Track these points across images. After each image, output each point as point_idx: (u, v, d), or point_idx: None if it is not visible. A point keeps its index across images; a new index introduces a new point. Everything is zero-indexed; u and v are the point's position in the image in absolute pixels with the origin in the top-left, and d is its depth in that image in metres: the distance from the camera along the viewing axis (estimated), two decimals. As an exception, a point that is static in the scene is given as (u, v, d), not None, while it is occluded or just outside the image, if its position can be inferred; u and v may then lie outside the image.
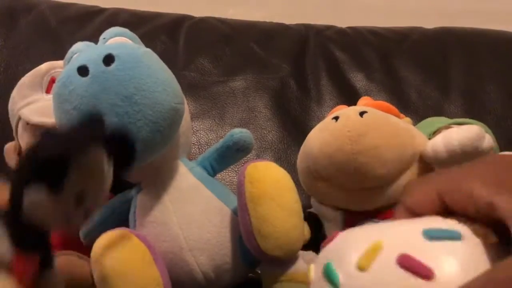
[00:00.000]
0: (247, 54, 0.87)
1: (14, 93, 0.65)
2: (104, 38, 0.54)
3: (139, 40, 0.56)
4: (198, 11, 0.95)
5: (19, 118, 0.64)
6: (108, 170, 0.36)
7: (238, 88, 0.83)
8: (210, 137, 0.78)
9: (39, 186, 0.32)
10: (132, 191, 0.55)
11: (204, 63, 0.85)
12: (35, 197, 0.32)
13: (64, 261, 0.53)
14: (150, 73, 0.48)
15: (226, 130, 0.74)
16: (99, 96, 0.46)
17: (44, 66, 0.65)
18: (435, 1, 1.11)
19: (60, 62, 0.62)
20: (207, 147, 0.65)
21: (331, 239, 0.30)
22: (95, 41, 0.55)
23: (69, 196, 0.34)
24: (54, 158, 0.32)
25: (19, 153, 0.64)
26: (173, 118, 0.50)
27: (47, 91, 0.64)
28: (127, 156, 0.38)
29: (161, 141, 0.50)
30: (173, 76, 0.52)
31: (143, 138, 0.47)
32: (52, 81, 0.63)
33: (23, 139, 0.63)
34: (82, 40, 0.55)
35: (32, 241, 0.34)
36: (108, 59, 0.47)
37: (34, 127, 0.62)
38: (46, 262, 0.36)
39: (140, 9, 0.94)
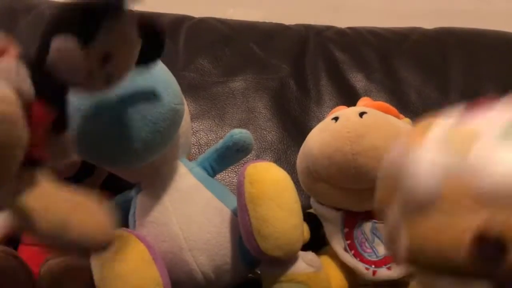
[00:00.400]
0: (247, 55, 0.87)
1: (14, 94, 0.65)
2: (104, 39, 0.54)
3: (139, 40, 0.56)
4: (198, 11, 0.95)
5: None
6: (136, 43, 0.37)
7: (237, 89, 0.83)
8: (210, 138, 0.78)
9: (68, 36, 0.32)
10: (132, 192, 0.56)
11: (204, 64, 0.85)
12: (62, 45, 0.32)
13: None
14: (149, 73, 0.48)
15: (226, 131, 0.74)
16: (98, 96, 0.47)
17: (44, 66, 0.65)
18: (435, 1, 1.11)
19: (60, 63, 0.62)
20: (207, 148, 0.65)
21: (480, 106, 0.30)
22: (95, 41, 0.55)
23: (96, 52, 0.33)
24: (88, 11, 0.33)
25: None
26: (173, 119, 0.50)
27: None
28: (156, 44, 0.40)
29: (161, 142, 0.50)
30: (173, 76, 0.52)
31: (143, 138, 0.48)
32: (52, 81, 0.63)
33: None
34: (82, 40, 0.55)
35: (51, 92, 0.34)
36: (108, 60, 0.47)
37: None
38: (60, 122, 0.36)
39: (140, 9, 0.94)
